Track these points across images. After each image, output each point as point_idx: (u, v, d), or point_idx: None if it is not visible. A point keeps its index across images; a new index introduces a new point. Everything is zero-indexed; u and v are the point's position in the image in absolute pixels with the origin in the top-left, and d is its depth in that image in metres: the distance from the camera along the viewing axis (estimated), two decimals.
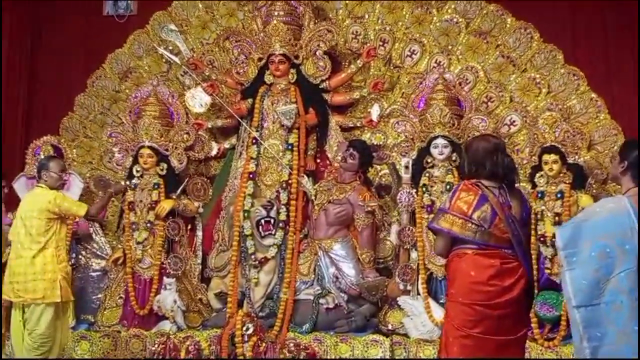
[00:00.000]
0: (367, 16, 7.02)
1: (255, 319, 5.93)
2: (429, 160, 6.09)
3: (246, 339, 5.75)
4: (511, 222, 3.69)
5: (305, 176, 6.44)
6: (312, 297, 6.13)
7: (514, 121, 6.46)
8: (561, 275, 3.45)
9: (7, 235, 5.62)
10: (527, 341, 5.58)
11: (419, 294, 5.91)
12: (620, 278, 3.24)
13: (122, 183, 6.39)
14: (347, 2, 7.06)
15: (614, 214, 3.33)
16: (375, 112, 6.50)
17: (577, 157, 5.86)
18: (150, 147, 6.39)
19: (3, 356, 5.75)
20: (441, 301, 5.85)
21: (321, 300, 6.11)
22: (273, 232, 6.29)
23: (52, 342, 5.23)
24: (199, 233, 6.66)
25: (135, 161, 6.44)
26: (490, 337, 3.64)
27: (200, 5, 7.32)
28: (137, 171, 6.42)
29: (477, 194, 3.71)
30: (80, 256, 6.63)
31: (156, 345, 5.94)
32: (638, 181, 3.44)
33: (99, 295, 6.54)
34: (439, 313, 5.78)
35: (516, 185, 3.95)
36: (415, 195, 6.03)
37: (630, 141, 3.64)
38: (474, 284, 3.67)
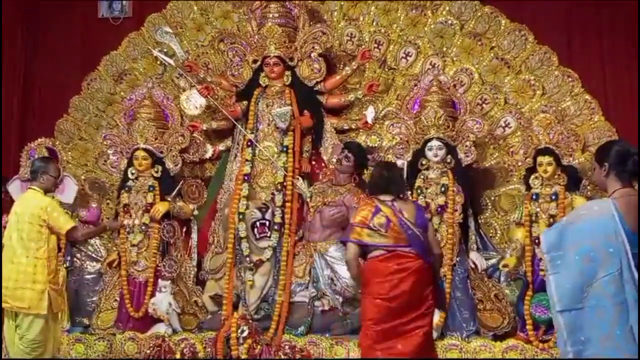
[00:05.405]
0: (361, 18, 7.02)
1: (251, 321, 5.93)
2: (423, 163, 6.09)
3: (241, 341, 5.76)
4: (404, 224, 4.51)
5: (300, 178, 6.44)
6: (307, 300, 6.13)
7: (508, 123, 6.48)
8: (546, 279, 3.44)
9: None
10: (522, 343, 5.67)
11: None
12: (604, 282, 3.22)
13: (119, 223, 6.34)
14: (341, 3, 7.05)
15: (598, 217, 3.32)
16: (370, 114, 6.50)
17: (571, 159, 5.85)
18: (145, 150, 6.39)
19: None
20: None
21: (316, 303, 6.11)
22: (268, 235, 6.30)
23: (44, 347, 5.19)
24: (194, 235, 6.65)
25: (130, 163, 6.44)
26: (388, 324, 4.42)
27: (195, 8, 7.31)
28: (132, 173, 6.42)
29: (372, 206, 4.60)
30: (75, 259, 6.61)
31: (151, 348, 5.94)
32: (626, 178, 3.42)
33: (94, 298, 6.52)
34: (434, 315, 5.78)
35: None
36: (410, 198, 6.03)
37: (602, 146, 3.65)
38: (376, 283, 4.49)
